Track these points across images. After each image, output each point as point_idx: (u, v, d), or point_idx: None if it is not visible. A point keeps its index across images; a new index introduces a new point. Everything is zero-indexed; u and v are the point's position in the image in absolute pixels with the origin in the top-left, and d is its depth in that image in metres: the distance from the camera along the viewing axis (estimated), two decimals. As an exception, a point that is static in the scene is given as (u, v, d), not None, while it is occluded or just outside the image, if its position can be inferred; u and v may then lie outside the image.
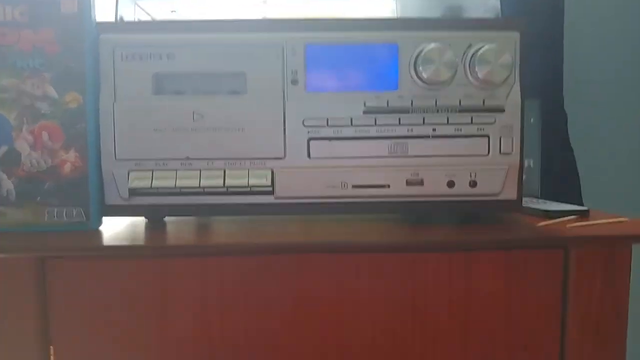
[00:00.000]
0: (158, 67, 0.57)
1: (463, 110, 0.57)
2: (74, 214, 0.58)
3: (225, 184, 0.57)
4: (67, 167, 0.58)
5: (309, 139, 0.57)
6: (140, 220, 0.64)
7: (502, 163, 0.58)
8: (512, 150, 0.58)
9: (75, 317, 0.53)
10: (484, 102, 0.57)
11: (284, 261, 0.52)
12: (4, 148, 0.58)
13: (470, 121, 0.57)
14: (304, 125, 0.57)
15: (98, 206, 0.59)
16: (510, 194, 0.58)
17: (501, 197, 0.58)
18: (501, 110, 0.57)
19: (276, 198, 0.58)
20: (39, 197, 0.58)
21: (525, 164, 0.63)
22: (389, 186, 0.58)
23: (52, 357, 0.54)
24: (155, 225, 0.63)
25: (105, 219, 0.60)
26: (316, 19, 0.59)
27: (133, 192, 0.59)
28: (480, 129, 0.57)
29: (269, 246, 0.53)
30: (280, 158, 0.58)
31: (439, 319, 0.53)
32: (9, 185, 0.58)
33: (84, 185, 0.58)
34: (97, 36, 0.57)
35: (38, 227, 0.58)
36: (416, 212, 0.60)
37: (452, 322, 0.53)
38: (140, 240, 0.56)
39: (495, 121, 0.57)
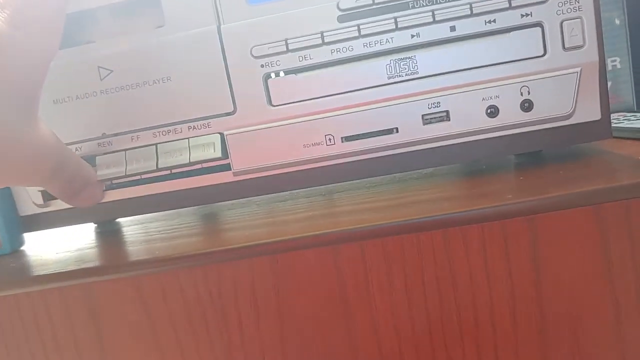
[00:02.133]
0: (37, 11, 0.40)
1: (493, -12, 0.36)
2: (-19, 235, 0.43)
3: (159, 165, 0.39)
4: (-43, 174, 0.42)
5: (266, 76, 0.38)
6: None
7: (570, 64, 0.36)
8: (585, 42, 0.36)
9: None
10: (524, -32, 0.35)
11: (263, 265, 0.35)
12: None
13: (507, 4, 0.35)
14: (254, 57, 0.38)
15: (8, 221, 0.42)
16: (590, 111, 0.37)
17: (575, 119, 0.37)
18: (556, -24, 0.36)
19: (235, 174, 0.40)
20: None
21: (609, 64, 0.41)
22: (397, 130, 0.38)
23: None
24: (105, 231, 0.46)
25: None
26: None
27: (48, 194, 0.42)
28: (526, 14, 0.36)
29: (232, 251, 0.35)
30: (229, 113, 0.39)
31: (499, 324, 0.33)
32: None
33: (-16, 194, 0.42)
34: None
35: (-58, 260, 0.43)
36: (443, 162, 0.39)
37: (520, 337, 0.33)
38: (62, 262, 0.39)
39: (548, -3, 0.36)
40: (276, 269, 0.34)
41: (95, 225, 0.48)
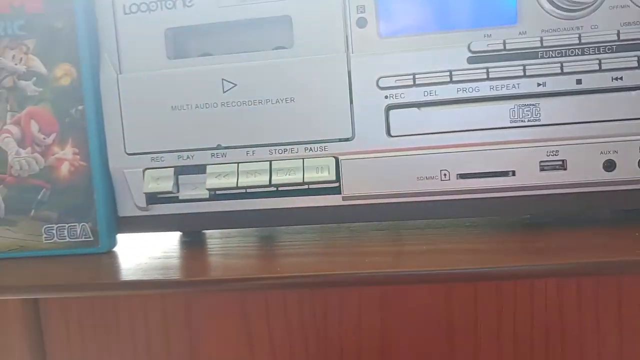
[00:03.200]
0: (172, 20, 0.41)
1: (624, 47, 0.37)
2: (78, 231, 0.43)
3: (272, 181, 0.40)
4: (65, 169, 0.43)
5: (388, 108, 0.39)
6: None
7: (693, 127, 0.37)
8: None
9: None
10: (658, 31, 0.36)
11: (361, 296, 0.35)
12: (-15, 147, 0.44)
13: (637, 64, 0.36)
14: (380, 88, 0.39)
15: (108, 220, 0.43)
16: None
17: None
18: (688, 40, 0.36)
19: (344, 198, 0.40)
20: (33, 211, 0.43)
21: None
22: (513, 173, 0.38)
23: None
24: (191, 240, 0.47)
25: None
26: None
27: (151, 198, 0.43)
28: (655, 75, 0.37)
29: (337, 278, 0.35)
30: (347, 139, 0.40)
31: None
32: (-4, 196, 0.44)
33: (88, 192, 0.43)
34: (90, -16, 0.42)
35: (35, 252, 0.44)
36: (556, 210, 0.39)
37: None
38: (162, 269, 0.39)
39: (678, 60, 0.37)
40: (385, 300, 0.35)
41: (181, 234, 0.49)
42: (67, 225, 0.43)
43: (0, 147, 0.43)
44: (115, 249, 0.44)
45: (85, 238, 0.43)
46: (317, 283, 0.34)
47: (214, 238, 0.47)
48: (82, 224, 0.43)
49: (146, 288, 0.36)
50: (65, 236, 0.43)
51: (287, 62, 0.40)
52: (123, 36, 0.42)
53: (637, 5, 0.36)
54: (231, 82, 0.40)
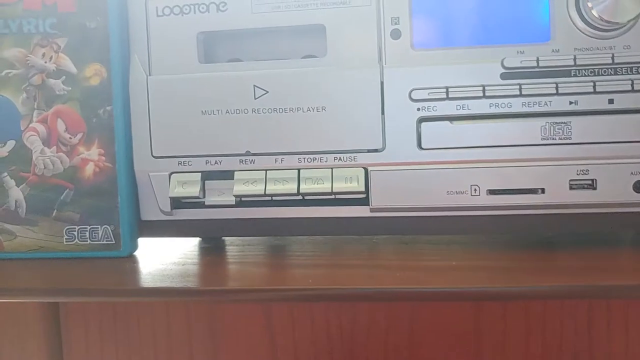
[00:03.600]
0: (205, 24, 0.41)
1: (659, 68, 0.37)
2: (100, 234, 0.43)
3: (300, 190, 0.40)
4: (89, 169, 0.42)
5: (420, 120, 0.39)
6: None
7: None
8: None
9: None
10: (693, 54, 0.37)
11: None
12: (11, 144, 0.43)
13: (670, 85, 0.37)
14: (412, 100, 0.39)
15: (131, 224, 0.43)
16: None
17: None
18: None
19: (372, 210, 0.40)
20: (54, 211, 0.43)
21: None
22: (543, 191, 0.38)
23: None
24: (211, 247, 0.47)
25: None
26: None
27: (176, 203, 0.43)
28: (687, 98, 0.37)
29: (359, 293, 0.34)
30: (377, 150, 0.40)
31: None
32: (17, 194, 0.43)
33: (112, 194, 0.43)
34: (124, -15, 0.42)
35: (55, 253, 0.43)
36: (584, 229, 0.39)
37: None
38: (187, 276, 0.39)
39: None
40: (413, 316, 0.34)
41: (201, 239, 0.49)
42: (89, 227, 0.43)
43: (25, 145, 0.43)
44: (135, 253, 0.44)
45: (107, 241, 0.43)
46: (345, 296, 0.34)
47: (234, 245, 0.47)
48: (105, 226, 0.43)
49: (170, 295, 0.36)
50: (86, 238, 0.43)
51: (320, 71, 0.40)
52: (154, 38, 0.42)
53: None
54: (263, 89, 0.40)
